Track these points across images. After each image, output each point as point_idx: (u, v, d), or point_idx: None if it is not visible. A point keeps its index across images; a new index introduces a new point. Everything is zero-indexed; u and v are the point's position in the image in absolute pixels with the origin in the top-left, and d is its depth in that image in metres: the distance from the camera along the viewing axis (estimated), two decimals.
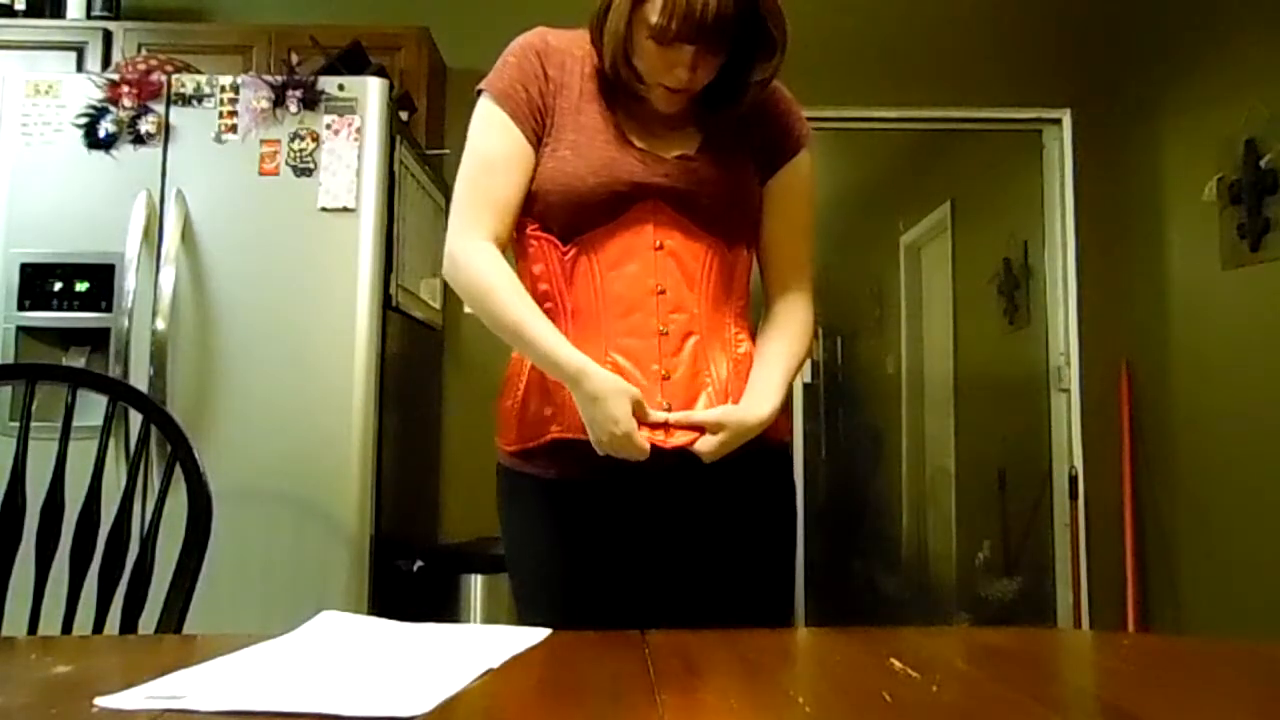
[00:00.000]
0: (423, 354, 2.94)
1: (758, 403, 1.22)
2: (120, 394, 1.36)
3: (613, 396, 1.13)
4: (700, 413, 1.19)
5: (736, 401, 1.22)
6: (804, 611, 3.24)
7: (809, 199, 1.34)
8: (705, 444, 1.18)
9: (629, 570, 1.25)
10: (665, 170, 1.22)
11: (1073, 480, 3.21)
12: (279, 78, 2.32)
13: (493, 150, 1.22)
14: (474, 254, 1.20)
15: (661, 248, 1.20)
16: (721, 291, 1.24)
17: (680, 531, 1.25)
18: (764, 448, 1.24)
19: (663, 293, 1.20)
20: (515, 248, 1.27)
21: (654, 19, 1.12)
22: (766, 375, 1.25)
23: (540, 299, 1.22)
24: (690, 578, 1.26)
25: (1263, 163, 2.54)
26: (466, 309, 3.37)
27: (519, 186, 1.22)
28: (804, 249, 1.34)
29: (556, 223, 1.22)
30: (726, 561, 1.26)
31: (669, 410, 1.18)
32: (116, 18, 3.10)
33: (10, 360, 2.23)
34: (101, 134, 2.29)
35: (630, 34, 1.16)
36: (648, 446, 1.15)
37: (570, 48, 1.26)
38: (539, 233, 1.23)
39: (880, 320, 5.12)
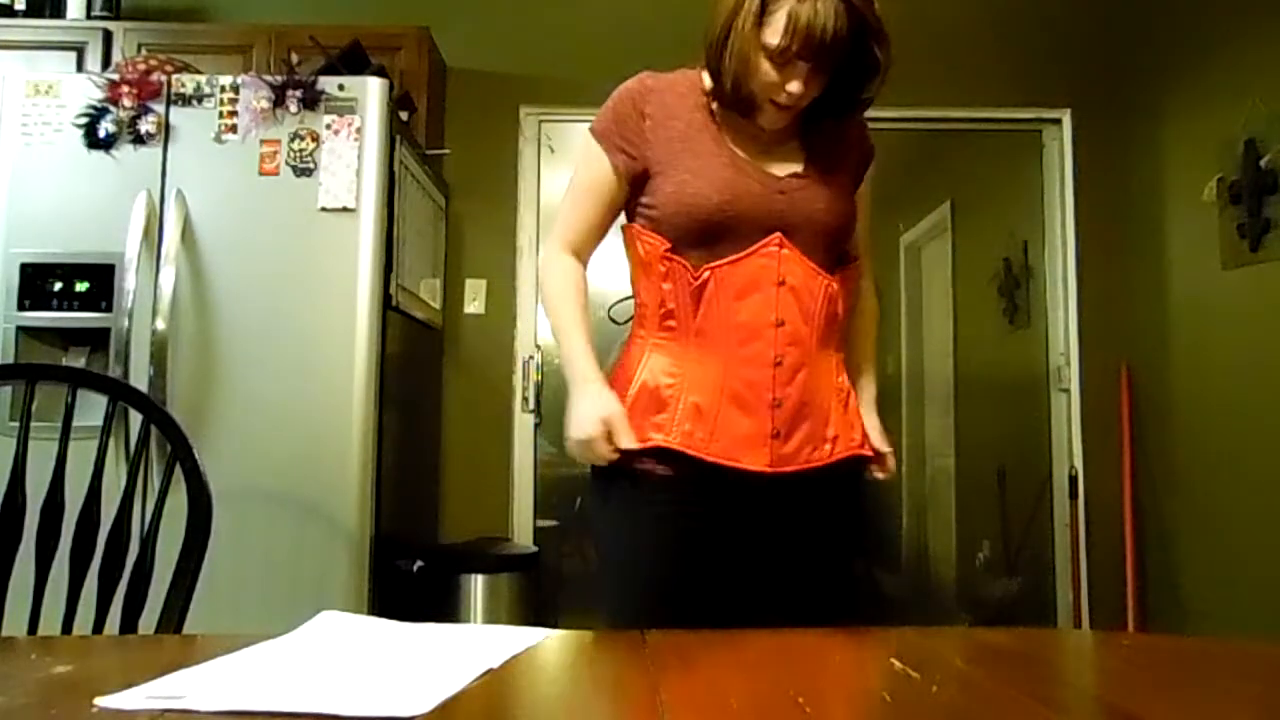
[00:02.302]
0: (423, 354, 2.94)
1: (874, 417, 1.45)
2: (120, 394, 1.36)
3: (597, 409, 1.30)
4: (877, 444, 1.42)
5: (839, 427, 1.36)
6: None
7: (871, 195, 1.51)
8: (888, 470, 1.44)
9: (723, 566, 1.33)
10: (780, 187, 1.31)
11: (1073, 480, 3.21)
12: (279, 78, 2.32)
13: (583, 179, 1.39)
14: (552, 262, 1.41)
15: (783, 284, 1.30)
16: (829, 325, 1.35)
17: (779, 533, 1.34)
18: (857, 460, 1.39)
19: (781, 324, 1.29)
20: (645, 266, 1.36)
21: (774, 41, 1.22)
22: (867, 397, 1.46)
23: (665, 315, 1.33)
24: (781, 577, 1.35)
25: (1263, 163, 2.54)
26: (467, 308, 3.37)
27: (605, 208, 1.38)
28: (869, 240, 1.51)
29: (684, 243, 1.31)
30: (817, 564, 1.36)
31: (778, 435, 1.29)
32: (116, 18, 3.10)
33: (10, 360, 2.23)
34: (101, 134, 2.29)
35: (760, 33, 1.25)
36: (607, 453, 1.29)
37: (672, 86, 1.37)
38: (671, 255, 1.31)
39: (880, 320, 5.11)
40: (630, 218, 1.40)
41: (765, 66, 1.24)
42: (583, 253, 1.41)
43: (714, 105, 1.35)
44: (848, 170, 1.40)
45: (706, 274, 1.29)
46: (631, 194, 1.37)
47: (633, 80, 1.38)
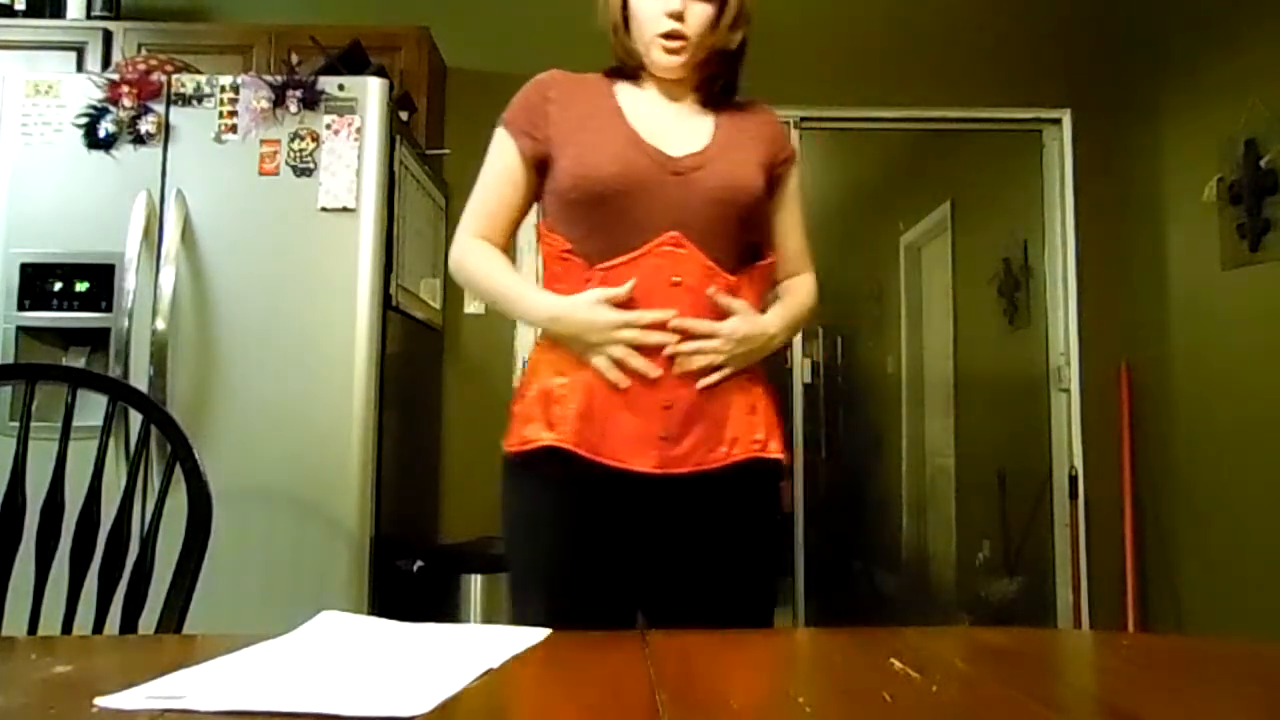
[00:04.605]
0: (423, 354, 2.94)
1: (765, 316, 1.35)
2: (120, 394, 1.36)
3: (586, 308, 1.26)
4: (706, 323, 1.28)
5: (739, 429, 1.30)
6: (804, 611, 3.24)
7: (802, 200, 1.49)
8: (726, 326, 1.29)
9: (622, 568, 1.31)
10: (676, 167, 1.30)
11: (1073, 480, 3.21)
12: (279, 78, 2.32)
13: (492, 166, 1.40)
14: (464, 248, 1.39)
15: (678, 284, 1.28)
16: None
17: (672, 536, 1.31)
18: (759, 463, 1.32)
19: None
20: (547, 268, 1.37)
21: None
22: (780, 307, 1.40)
23: None
24: (677, 580, 1.32)
25: (1263, 163, 2.54)
26: (467, 308, 3.36)
27: (512, 193, 1.38)
28: (805, 241, 1.48)
29: (582, 227, 1.30)
30: (711, 568, 1.32)
31: (668, 437, 1.26)
32: (116, 18, 3.10)
33: (10, 360, 2.23)
34: (101, 134, 2.29)
35: (625, 5, 1.35)
36: (649, 332, 1.25)
37: (581, 77, 1.40)
38: (568, 254, 1.32)
39: (880, 320, 5.12)
40: (541, 209, 1.40)
41: (638, 2, 1.32)
42: (494, 237, 1.38)
43: (618, 91, 1.38)
44: (754, 158, 1.36)
45: (599, 275, 1.28)
46: (540, 181, 1.37)
47: (544, 73, 1.40)
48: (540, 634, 0.91)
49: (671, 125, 1.35)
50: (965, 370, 4.19)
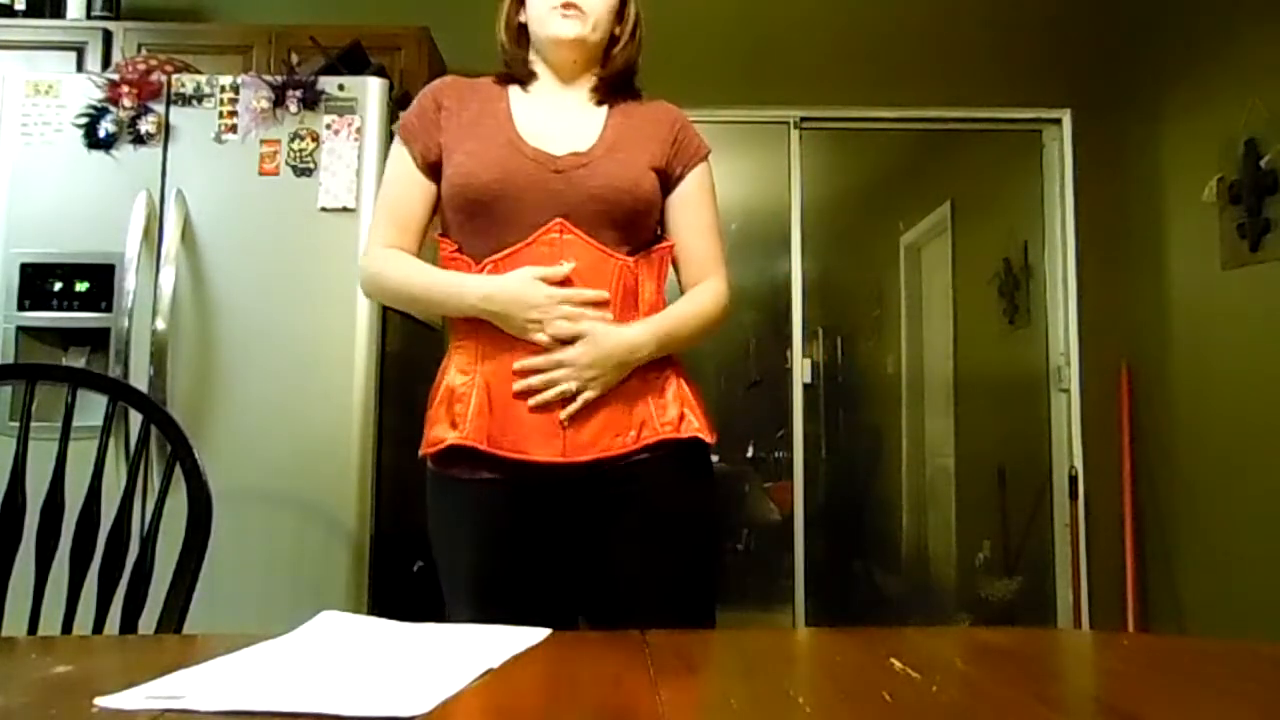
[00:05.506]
0: (423, 354, 2.94)
1: (627, 328, 1.29)
2: (120, 394, 1.36)
3: (519, 284, 1.25)
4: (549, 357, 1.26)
5: (647, 413, 1.30)
6: (804, 611, 3.24)
7: (714, 202, 1.44)
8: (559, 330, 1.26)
9: (544, 568, 1.31)
10: (557, 166, 1.30)
11: (1073, 480, 3.21)
12: (279, 78, 2.32)
13: (391, 174, 1.39)
14: (374, 257, 1.36)
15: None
16: (626, 306, 1.31)
17: (588, 528, 1.31)
18: (675, 445, 1.31)
19: None
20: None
21: None
22: (651, 318, 1.33)
23: (462, 315, 1.32)
24: (602, 575, 1.32)
25: (1263, 163, 2.54)
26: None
27: (415, 199, 1.37)
28: (715, 245, 1.42)
29: (469, 232, 1.31)
30: (633, 560, 1.31)
31: (569, 424, 1.26)
32: (116, 18, 3.10)
33: (10, 360, 2.23)
34: (101, 134, 2.29)
35: (519, 9, 1.40)
36: (584, 309, 1.24)
37: (475, 82, 1.42)
38: (457, 254, 1.32)
39: (880, 320, 5.12)
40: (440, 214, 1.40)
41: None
42: (404, 244, 1.37)
43: (511, 94, 1.39)
44: (643, 158, 1.34)
45: (489, 268, 1.29)
46: (438, 186, 1.37)
47: (439, 79, 1.43)
48: (540, 634, 0.91)
49: (560, 124, 1.35)
50: (965, 370, 4.19)
